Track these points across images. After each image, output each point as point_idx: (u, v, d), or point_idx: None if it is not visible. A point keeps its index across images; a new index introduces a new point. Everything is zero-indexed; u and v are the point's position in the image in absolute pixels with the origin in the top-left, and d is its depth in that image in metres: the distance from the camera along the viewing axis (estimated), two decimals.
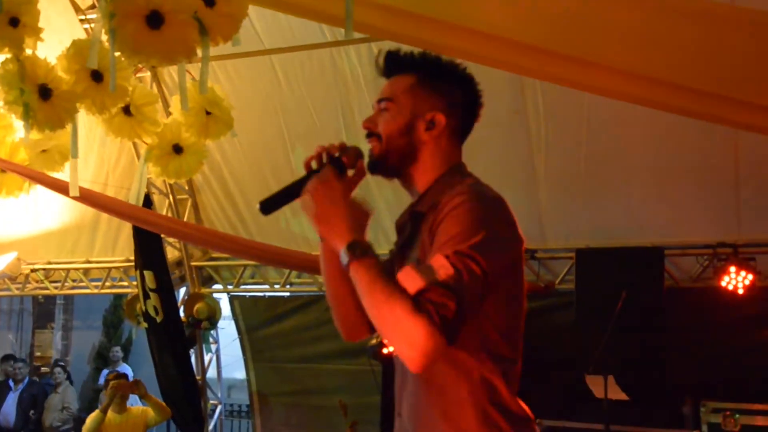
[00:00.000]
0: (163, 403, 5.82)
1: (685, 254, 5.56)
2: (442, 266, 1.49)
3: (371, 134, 1.76)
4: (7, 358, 8.66)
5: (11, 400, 8.17)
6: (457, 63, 1.79)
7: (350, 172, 1.73)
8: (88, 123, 5.10)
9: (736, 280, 5.19)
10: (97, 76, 3.31)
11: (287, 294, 7.02)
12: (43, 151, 3.84)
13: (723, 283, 5.23)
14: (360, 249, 1.58)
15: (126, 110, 3.82)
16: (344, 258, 1.58)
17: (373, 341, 5.58)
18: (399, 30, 3.33)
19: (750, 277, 5.18)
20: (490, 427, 1.59)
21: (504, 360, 1.62)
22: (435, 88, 1.75)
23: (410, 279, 1.50)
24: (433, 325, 1.44)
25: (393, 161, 1.74)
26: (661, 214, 5.49)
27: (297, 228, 6.15)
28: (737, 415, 4.87)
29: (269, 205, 1.70)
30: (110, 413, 5.61)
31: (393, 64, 1.79)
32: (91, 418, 5.62)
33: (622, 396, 4.92)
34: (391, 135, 1.73)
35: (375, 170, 1.76)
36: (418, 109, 1.74)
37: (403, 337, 1.48)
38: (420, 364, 1.48)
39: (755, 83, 2.99)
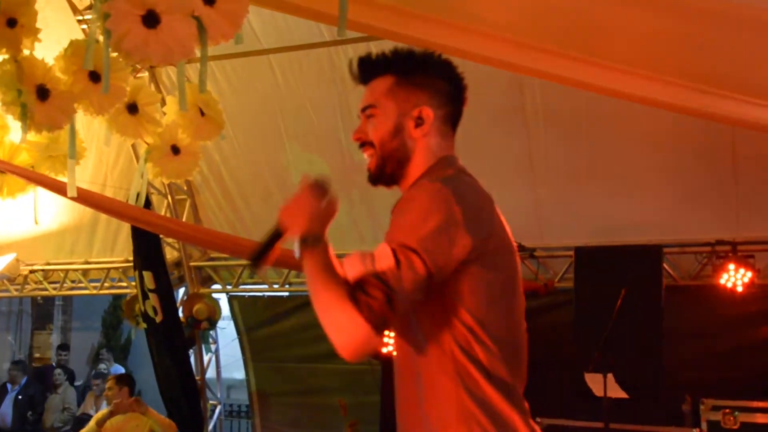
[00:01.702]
0: (168, 420, 5.75)
1: (683, 252, 5.57)
2: (385, 256, 1.50)
3: (363, 144, 1.75)
4: (16, 363, 8.68)
5: (8, 401, 8.17)
6: (432, 52, 1.76)
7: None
8: (86, 123, 5.09)
9: (734, 277, 5.19)
10: (94, 77, 3.31)
11: (286, 294, 7.02)
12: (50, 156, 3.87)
13: (722, 281, 5.23)
14: (312, 240, 1.62)
15: (131, 108, 3.83)
16: (297, 250, 1.62)
17: None
18: (394, 29, 3.33)
19: (749, 274, 5.18)
20: (469, 422, 1.57)
21: (487, 354, 1.59)
22: (415, 82, 1.73)
23: (352, 266, 1.54)
24: (360, 314, 1.47)
25: (391, 167, 1.73)
26: (660, 212, 5.49)
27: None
28: (737, 413, 4.87)
29: (259, 256, 1.75)
30: (118, 416, 5.55)
31: (367, 69, 1.77)
32: (87, 429, 5.60)
33: (622, 394, 4.92)
34: (383, 140, 1.72)
35: (376, 182, 1.76)
36: (404, 108, 1.72)
37: (332, 323, 1.51)
38: (347, 351, 1.51)
39: (756, 81, 3.00)
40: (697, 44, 2.90)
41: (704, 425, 4.92)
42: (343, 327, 1.49)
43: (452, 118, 1.77)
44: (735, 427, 4.87)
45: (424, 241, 1.51)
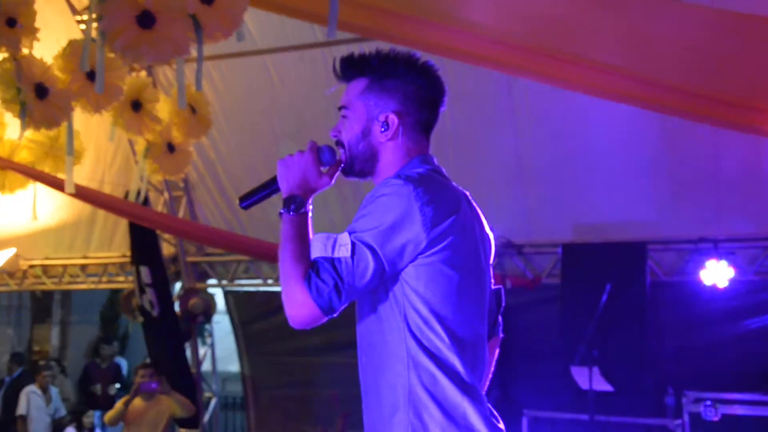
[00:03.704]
0: (188, 400, 5.85)
1: (667, 249, 5.68)
2: (343, 244, 1.61)
3: (338, 143, 1.83)
4: (14, 355, 8.70)
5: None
6: (412, 56, 1.80)
7: (324, 170, 1.82)
8: (84, 121, 5.20)
9: (716, 274, 5.30)
10: (92, 76, 3.41)
11: (281, 288, 7.10)
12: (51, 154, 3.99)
13: (704, 277, 5.34)
14: (295, 204, 1.72)
15: (135, 106, 3.94)
16: (280, 210, 1.73)
17: None
18: (384, 29, 3.43)
19: (731, 271, 5.29)
20: (417, 407, 1.62)
21: (441, 345, 1.64)
22: (386, 87, 1.77)
23: (314, 246, 1.64)
24: (309, 294, 1.58)
25: (359, 166, 1.80)
26: (645, 210, 5.61)
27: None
28: (718, 405, 4.99)
29: (248, 199, 1.83)
30: (138, 400, 5.64)
31: (347, 69, 1.82)
32: (114, 410, 5.69)
33: (607, 387, 5.05)
34: (351, 142, 1.80)
35: (347, 175, 1.84)
36: (372, 112, 1.78)
37: (287, 293, 1.63)
38: (294, 322, 1.64)
39: (738, 83, 3.09)
40: (687, 48, 2.98)
41: (686, 417, 5.03)
42: (294, 300, 1.61)
43: (424, 123, 1.81)
44: (716, 418, 4.98)
45: (378, 236, 1.61)
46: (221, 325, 7.74)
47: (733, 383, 5.11)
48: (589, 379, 4.85)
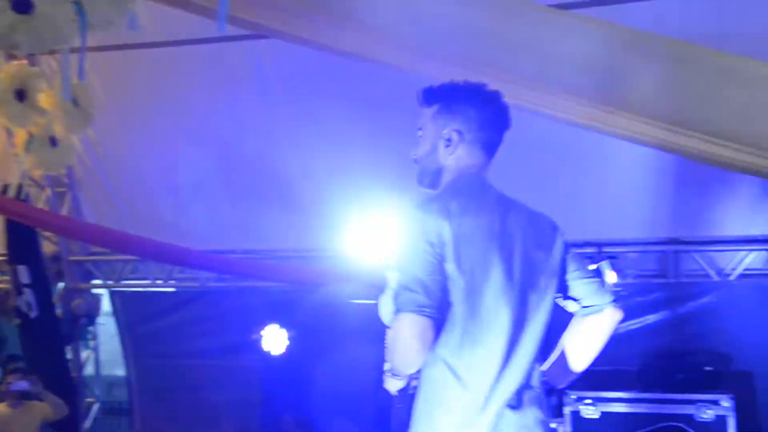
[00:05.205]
0: (61, 401, 5.63)
1: None
2: None
3: (415, 160, 2.17)
4: None
5: None
6: (477, 85, 2.12)
7: None
8: None
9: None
10: None
11: (170, 290, 6.93)
12: None
13: None
14: None
15: (19, 95, 3.72)
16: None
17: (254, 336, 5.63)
18: (278, 26, 3.37)
19: (611, 274, 5.51)
20: None
21: None
22: (452, 111, 2.10)
23: None
24: None
25: (429, 178, 2.14)
26: None
27: None
28: (598, 404, 5.20)
29: None
30: (3, 406, 5.39)
31: (423, 97, 2.16)
32: None
33: None
34: (422, 158, 2.15)
35: (424, 186, 2.16)
36: (439, 132, 2.11)
37: None
38: None
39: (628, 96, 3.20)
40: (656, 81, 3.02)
41: (568, 416, 5.23)
42: None
43: (482, 140, 2.11)
44: (596, 416, 5.20)
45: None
46: (106, 327, 7.46)
47: (612, 382, 5.34)
48: None
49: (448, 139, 2.08)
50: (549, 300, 2.05)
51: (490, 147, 2.13)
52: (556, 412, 5.28)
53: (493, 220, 2.00)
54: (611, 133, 3.27)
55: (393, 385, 2.04)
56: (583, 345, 2.19)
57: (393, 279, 1.93)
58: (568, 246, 2.13)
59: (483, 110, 2.10)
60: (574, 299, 2.14)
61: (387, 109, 5.43)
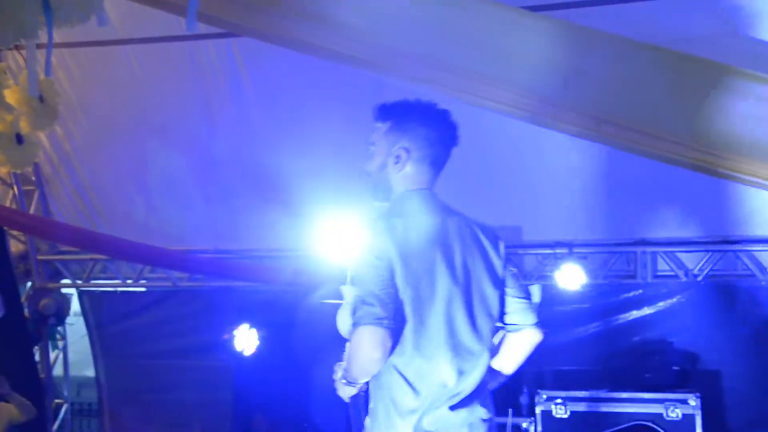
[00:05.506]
0: (28, 402, 5.52)
1: (527, 253, 5.91)
2: None
3: (366, 173, 2.27)
4: None
5: None
6: (429, 105, 2.23)
7: None
8: None
9: (570, 277, 5.58)
10: None
11: (141, 289, 6.86)
12: None
13: (559, 280, 5.60)
14: None
15: None
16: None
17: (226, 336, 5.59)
18: (245, 23, 3.34)
19: (582, 274, 5.57)
20: None
21: None
22: (403, 129, 2.21)
23: None
24: None
25: (380, 192, 2.25)
26: (507, 216, 5.79)
27: None
28: (568, 403, 5.25)
29: None
30: None
31: (377, 113, 2.28)
32: None
33: None
34: (373, 173, 2.25)
35: (376, 200, 2.27)
36: (389, 149, 2.22)
37: None
38: None
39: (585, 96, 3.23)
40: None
41: (538, 416, 5.27)
42: None
43: (430, 157, 2.22)
44: (565, 415, 5.25)
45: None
46: (76, 327, 7.36)
47: (582, 382, 5.40)
48: None
49: (398, 156, 2.19)
50: (495, 308, 2.17)
51: (437, 163, 2.23)
52: (527, 412, 5.32)
53: (437, 234, 2.10)
54: (565, 130, 3.30)
55: (346, 392, 2.15)
56: (505, 356, 2.31)
57: (349, 294, 2.03)
58: (509, 260, 2.26)
59: (432, 128, 2.21)
60: (502, 314, 2.24)
61: (363, 109, 5.42)
